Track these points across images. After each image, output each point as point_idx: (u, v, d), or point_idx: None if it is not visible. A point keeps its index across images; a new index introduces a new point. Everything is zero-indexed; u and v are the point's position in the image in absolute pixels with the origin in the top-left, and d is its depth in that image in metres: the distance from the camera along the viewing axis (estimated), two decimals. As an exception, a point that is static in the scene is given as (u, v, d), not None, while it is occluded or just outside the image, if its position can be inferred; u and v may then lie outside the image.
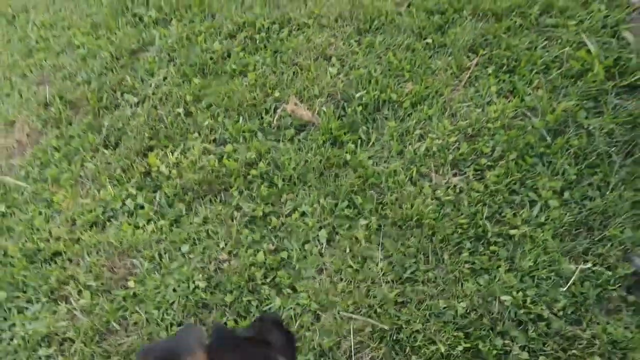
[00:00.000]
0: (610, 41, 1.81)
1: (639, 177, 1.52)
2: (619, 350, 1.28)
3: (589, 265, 1.41)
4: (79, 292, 1.49)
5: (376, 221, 1.53)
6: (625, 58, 1.74)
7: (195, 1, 2.14)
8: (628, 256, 1.43)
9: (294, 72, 1.88)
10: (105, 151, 1.77)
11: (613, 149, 1.58)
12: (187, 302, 1.43)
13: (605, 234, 1.45)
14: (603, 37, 1.83)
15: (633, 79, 1.69)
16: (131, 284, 1.49)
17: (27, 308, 1.50)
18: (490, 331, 1.33)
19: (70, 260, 1.56)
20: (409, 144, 1.67)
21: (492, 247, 1.46)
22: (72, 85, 1.95)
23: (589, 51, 1.78)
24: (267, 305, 1.42)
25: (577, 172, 1.55)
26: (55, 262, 1.56)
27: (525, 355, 1.29)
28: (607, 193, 1.51)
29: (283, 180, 1.63)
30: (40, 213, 1.66)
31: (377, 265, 1.46)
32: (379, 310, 1.38)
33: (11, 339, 1.45)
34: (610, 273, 1.39)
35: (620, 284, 1.38)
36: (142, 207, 1.64)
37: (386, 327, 1.34)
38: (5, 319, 1.49)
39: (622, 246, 1.43)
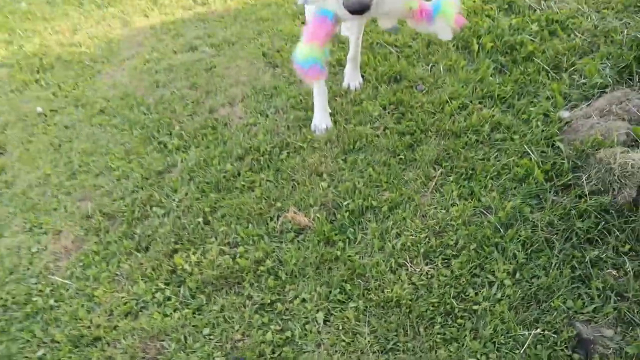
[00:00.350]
0: (547, 150, 2.25)
1: (576, 258, 1.88)
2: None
3: (539, 330, 1.72)
4: (117, 371, 1.78)
5: (363, 304, 1.85)
6: (559, 163, 2.17)
7: (210, 131, 2.61)
8: (571, 322, 1.74)
9: (292, 187, 2.30)
10: (138, 254, 2.13)
11: (554, 236, 1.95)
12: (208, 375, 1.72)
13: (551, 304, 1.78)
14: (541, 147, 2.27)
15: (566, 179, 2.10)
16: (161, 362, 1.78)
17: (72, 387, 1.77)
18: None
19: (108, 344, 1.86)
20: (388, 241, 2.03)
21: (459, 320, 1.78)
22: (109, 200, 2.35)
23: (530, 159, 2.21)
24: (275, 374, 1.70)
25: (525, 256, 1.91)
26: (96, 346, 1.86)
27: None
28: (551, 272, 1.85)
29: (286, 274, 1.98)
30: (82, 305, 1.98)
31: (365, 339, 1.77)
32: (367, 374, 1.67)
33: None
34: (557, 336, 1.70)
35: (566, 345, 1.68)
36: (169, 299, 1.96)
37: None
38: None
39: (565, 314, 1.75)
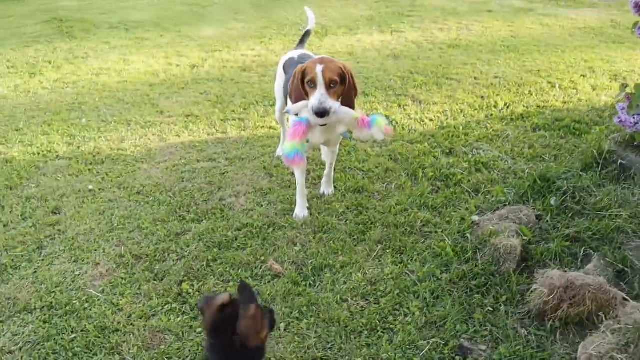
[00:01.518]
0: (459, 239, 3.12)
1: (466, 301, 2.66)
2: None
3: (434, 341, 2.46)
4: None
5: (314, 320, 2.60)
6: (465, 246, 3.03)
7: (218, 211, 3.52)
8: (457, 338, 2.48)
9: (274, 249, 3.15)
10: (155, 282, 2.90)
11: (454, 289, 2.75)
12: None
13: (445, 327, 2.53)
14: (456, 237, 3.15)
15: (468, 255, 2.95)
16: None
17: None
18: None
19: (125, 334, 2.57)
20: (337, 285, 2.83)
21: (380, 334, 2.51)
22: (138, 248, 3.18)
23: (446, 243, 3.08)
24: None
25: (432, 299, 2.70)
26: (116, 334, 2.57)
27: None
28: (448, 308, 2.63)
29: (262, 300, 2.75)
30: (109, 310, 2.72)
31: (312, 340, 2.49)
32: None
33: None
34: (445, 346, 2.43)
35: (451, 351, 2.41)
36: (174, 310, 2.71)
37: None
38: None
39: (454, 334, 2.50)
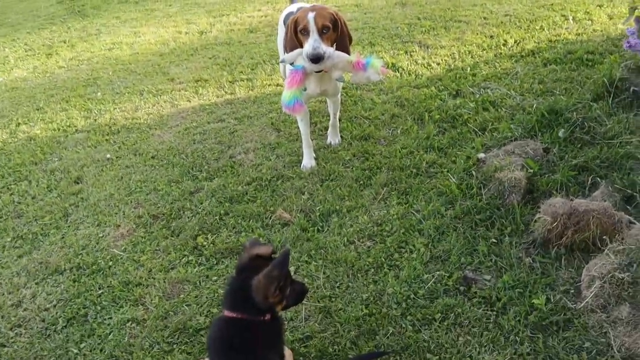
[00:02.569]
0: (464, 176, 3.17)
1: (470, 235, 2.73)
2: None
3: (439, 274, 2.55)
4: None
5: (322, 262, 2.72)
6: (470, 183, 3.07)
7: (229, 168, 3.63)
8: (462, 269, 2.57)
9: (282, 200, 3.25)
10: (172, 237, 3.06)
11: (458, 224, 2.82)
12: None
13: (449, 260, 2.61)
14: (461, 175, 3.19)
15: (473, 191, 3.00)
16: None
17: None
18: None
19: (147, 286, 2.74)
20: (344, 229, 2.93)
21: (385, 270, 2.62)
22: (155, 208, 3.33)
23: (450, 181, 3.14)
24: None
25: (437, 235, 2.78)
26: (139, 287, 2.74)
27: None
28: (452, 242, 2.70)
29: (274, 247, 2.86)
30: (131, 266, 2.89)
31: (320, 281, 2.61)
32: None
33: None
34: (450, 278, 2.52)
35: (455, 282, 2.50)
36: (190, 262, 2.86)
37: None
38: (109, 311, 2.62)
39: (458, 265, 2.58)
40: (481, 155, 3.36)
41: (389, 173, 3.34)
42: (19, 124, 5.02)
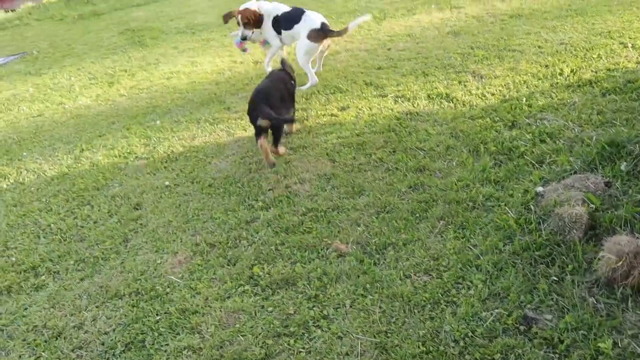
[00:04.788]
0: (522, 210, 3.10)
1: (530, 272, 2.66)
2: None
3: (497, 311, 2.48)
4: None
5: (378, 296, 2.70)
6: (529, 217, 3.00)
7: (285, 198, 3.68)
8: (522, 308, 2.50)
9: (338, 231, 3.26)
10: (228, 266, 3.11)
11: (517, 260, 2.76)
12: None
13: (508, 298, 2.55)
14: (519, 209, 3.13)
15: (532, 227, 2.93)
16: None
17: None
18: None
19: (203, 315, 2.78)
20: (400, 262, 2.91)
21: (442, 306, 2.57)
22: (212, 236, 3.40)
23: (508, 215, 3.07)
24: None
25: (495, 271, 2.72)
26: (196, 315, 2.79)
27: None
28: (511, 279, 2.64)
29: (328, 279, 2.88)
30: (188, 293, 2.95)
31: (376, 315, 2.59)
32: None
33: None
34: (509, 317, 2.46)
35: (515, 322, 2.43)
36: (246, 292, 2.90)
37: None
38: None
39: (518, 304, 2.51)
40: (539, 189, 3.29)
41: (445, 206, 3.31)
42: (82, 149, 5.26)
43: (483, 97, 4.80)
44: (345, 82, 5.69)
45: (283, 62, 4.61)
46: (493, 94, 4.83)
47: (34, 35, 12.47)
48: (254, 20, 5.51)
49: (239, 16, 5.52)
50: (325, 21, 5.48)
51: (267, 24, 5.68)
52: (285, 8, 5.70)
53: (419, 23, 7.62)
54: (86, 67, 8.68)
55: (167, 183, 4.20)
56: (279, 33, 5.71)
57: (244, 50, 6.06)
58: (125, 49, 9.37)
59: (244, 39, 5.65)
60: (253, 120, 3.95)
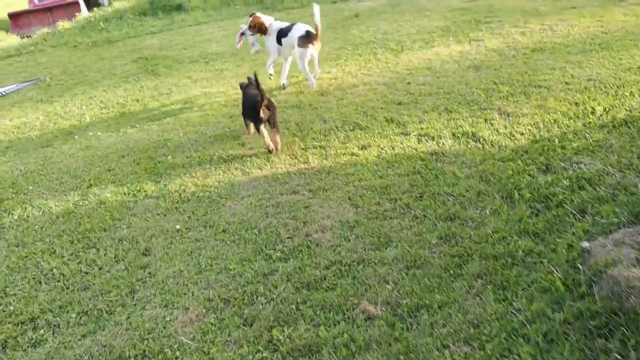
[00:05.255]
0: (569, 269, 2.81)
1: (587, 346, 2.36)
2: None
3: None
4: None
5: None
6: (577, 278, 2.71)
7: (305, 249, 3.41)
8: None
9: (365, 289, 2.98)
10: (245, 327, 2.83)
11: (570, 331, 2.46)
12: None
13: None
14: (564, 268, 2.84)
15: (582, 290, 2.63)
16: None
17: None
18: None
19: (220, 383, 2.50)
20: (436, 329, 2.62)
21: (488, 384, 2.28)
22: (226, 290, 3.13)
23: (554, 275, 2.78)
24: None
25: (546, 343, 2.42)
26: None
27: None
28: (565, 354, 2.34)
29: (356, 346, 2.59)
30: (200, 358, 2.67)
31: None
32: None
33: None
34: None
35: None
36: (264, 359, 2.61)
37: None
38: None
39: None
40: (585, 244, 3.00)
41: (482, 262, 3.03)
42: (90, 185, 5.03)
43: (512, 137, 4.54)
44: (365, 118, 5.47)
45: (252, 77, 5.07)
46: (522, 134, 4.57)
47: (47, 62, 12.42)
48: (259, 28, 6.73)
49: (251, 19, 6.75)
50: (310, 29, 6.47)
51: (272, 37, 6.81)
52: (285, 25, 6.81)
53: (438, 56, 7.42)
54: (98, 95, 8.54)
55: (178, 227, 3.95)
56: (280, 43, 6.75)
57: (256, 51, 7.21)
58: (138, 78, 9.24)
59: (242, 34, 6.84)
60: (255, 115, 4.94)
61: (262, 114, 4.87)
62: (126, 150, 5.80)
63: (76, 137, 6.70)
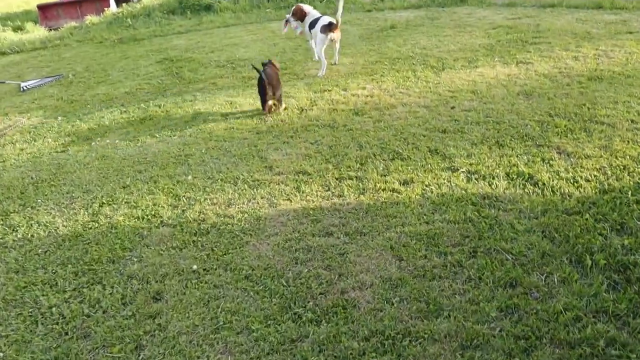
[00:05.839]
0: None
1: None
2: None
3: None
4: None
5: None
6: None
7: (340, 310, 2.93)
8: None
9: None
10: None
11: None
12: None
13: None
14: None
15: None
16: None
17: None
18: None
19: None
20: None
21: None
22: (247, 358, 2.66)
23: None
24: None
25: None
26: None
27: None
28: None
29: None
30: None
31: None
32: None
33: None
34: None
35: None
36: None
37: None
38: None
39: None
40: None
41: (554, 350, 2.52)
42: (102, 203, 4.62)
43: (576, 184, 4.01)
44: (406, 147, 4.97)
45: (268, 61, 6.69)
46: (588, 181, 4.04)
47: (72, 57, 12.13)
48: (299, 15, 8.00)
49: (293, 8, 8.12)
50: (332, 21, 7.51)
51: (306, 24, 7.98)
52: (317, 15, 7.94)
53: (483, 78, 6.89)
54: (120, 97, 8.17)
55: (194, 267, 3.49)
56: (310, 30, 7.86)
57: (300, 32, 8.40)
58: (162, 81, 8.85)
59: (287, 21, 8.23)
60: (265, 93, 6.32)
61: (268, 97, 6.29)
62: (144, 165, 5.38)
63: (93, 143, 6.31)
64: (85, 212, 4.50)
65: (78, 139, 6.54)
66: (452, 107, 5.93)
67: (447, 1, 12.34)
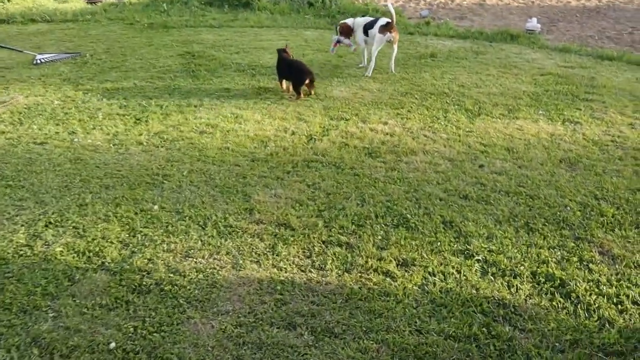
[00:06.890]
0: None
1: None
2: None
3: None
4: None
5: None
6: None
7: None
8: None
9: None
10: None
11: None
12: None
13: None
14: None
15: None
16: None
17: None
18: None
19: None
20: None
21: None
22: None
23: None
24: None
25: None
26: None
27: None
28: None
29: None
30: None
31: None
32: None
33: None
34: None
35: None
36: None
37: None
38: None
39: None
40: None
41: None
42: (49, 223, 3.93)
43: (620, 306, 3.14)
44: (416, 211, 4.14)
45: (284, 48, 7.27)
46: (637, 304, 3.16)
47: (97, 35, 11.59)
48: (346, 30, 8.06)
49: (338, 27, 8.16)
50: (389, 21, 7.61)
51: (359, 32, 8.01)
52: (369, 19, 8.00)
53: (522, 133, 6.01)
54: (126, 88, 7.52)
55: (112, 345, 2.74)
56: (366, 34, 7.89)
57: (354, 49, 8.54)
58: (175, 77, 8.18)
59: (338, 41, 8.17)
60: (302, 81, 6.97)
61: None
62: (115, 179, 4.67)
63: (75, 139, 5.65)
64: (25, 232, 3.80)
65: (63, 131, 5.89)
66: (481, 166, 5.07)
67: (496, 36, 11.38)
